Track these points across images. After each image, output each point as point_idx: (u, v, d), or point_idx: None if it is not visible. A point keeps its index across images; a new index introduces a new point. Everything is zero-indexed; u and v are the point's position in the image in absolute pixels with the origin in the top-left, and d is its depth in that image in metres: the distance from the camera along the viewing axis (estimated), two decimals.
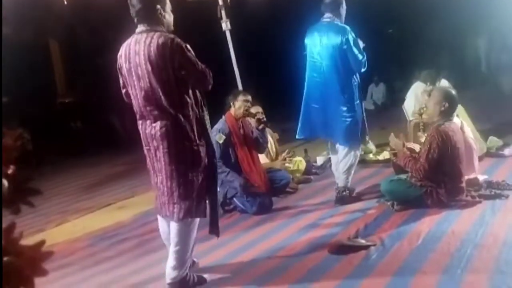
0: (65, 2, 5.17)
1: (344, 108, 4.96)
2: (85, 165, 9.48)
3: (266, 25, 11.46)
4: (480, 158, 5.60)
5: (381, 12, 12.10)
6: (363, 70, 4.98)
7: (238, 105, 5.40)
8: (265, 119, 5.70)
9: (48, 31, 12.28)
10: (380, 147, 7.09)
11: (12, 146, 0.82)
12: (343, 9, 5.03)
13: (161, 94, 3.25)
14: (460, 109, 5.63)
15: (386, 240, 3.92)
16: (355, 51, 4.86)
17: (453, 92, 4.85)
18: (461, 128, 5.03)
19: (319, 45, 4.98)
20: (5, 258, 0.82)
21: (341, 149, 5.14)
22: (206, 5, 6.21)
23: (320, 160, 6.88)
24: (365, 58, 4.92)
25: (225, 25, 6.76)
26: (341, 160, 5.13)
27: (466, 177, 4.75)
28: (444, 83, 6.81)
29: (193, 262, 3.76)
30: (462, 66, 12.34)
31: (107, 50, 12.64)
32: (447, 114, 4.66)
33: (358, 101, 5.05)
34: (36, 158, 8.73)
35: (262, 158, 5.91)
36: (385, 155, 6.73)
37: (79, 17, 10.23)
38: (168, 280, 3.45)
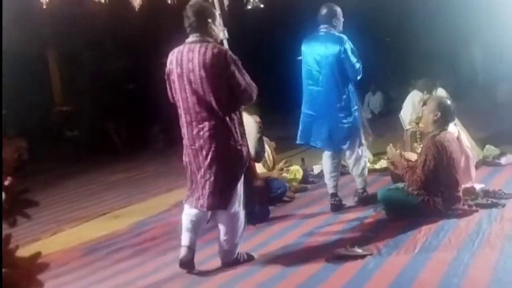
0: (44, 6, 5.13)
1: (342, 115, 5.04)
2: (81, 174, 9.46)
3: (263, 35, 11.52)
4: (477, 167, 5.60)
5: (378, 21, 12.15)
6: (358, 77, 5.08)
7: None
8: (261, 127, 5.69)
9: (46, 41, 12.31)
10: (377, 155, 7.08)
11: (11, 158, 0.82)
12: (339, 20, 5.10)
13: (212, 98, 3.62)
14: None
15: (383, 249, 3.92)
16: (353, 59, 4.96)
17: (447, 101, 4.87)
18: (458, 137, 5.04)
19: (317, 54, 5.04)
20: (2, 270, 0.81)
21: (348, 156, 5.23)
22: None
23: (317, 169, 6.86)
24: (361, 66, 5.02)
25: (223, 34, 6.77)
26: (352, 166, 5.24)
27: (463, 186, 4.75)
28: (441, 91, 6.82)
29: (252, 256, 4.04)
30: (459, 75, 12.39)
31: (105, 59, 12.73)
32: (441, 123, 4.68)
33: (356, 107, 5.15)
34: (34, 166, 8.74)
35: (259, 167, 5.89)
36: (382, 163, 6.72)
37: (77, 28, 10.26)
38: (221, 262, 3.91)
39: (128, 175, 8.72)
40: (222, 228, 3.83)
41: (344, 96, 5.03)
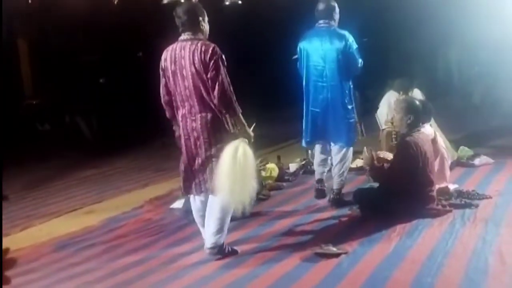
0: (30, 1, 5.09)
1: (347, 110, 5.13)
2: (51, 168, 9.31)
3: (242, 31, 11.49)
4: (451, 168, 5.69)
5: (356, 21, 12.22)
6: (357, 74, 5.21)
7: None
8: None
9: (16, 30, 12.09)
10: (355, 155, 7.14)
11: None
12: (337, 15, 5.18)
13: (203, 91, 3.85)
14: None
15: (358, 248, 3.96)
16: (357, 55, 5.07)
17: (414, 103, 4.94)
18: (434, 138, 5.12)
19: (321, 49, 5.08)
20: None
21: (336, 152, 5.24)
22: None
23: (292, 167, 6.90)
24: (361, 61, 5.12)
25: None
26: (336, 163, 5.23)
27: (437, 186, 4.83)
28: (416, 92, 6.90)
29: (236, 251, 4.14)
30: (435, 77, 12.53)
31: (77, 52, 12.51)
32: (414, 125, 4.75)
33: (354, 104, 5.24)
34: (3, 160, 8.58)
35: None
36: (358, 163, 6.77)
37: (49, 17, 10.10)
38: (208, 245, 4.01)
39: (100, 171, 8.61)
40: (213, 214, 3.95)
41: (347, 92, 5.13)
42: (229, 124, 3.96)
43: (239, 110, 3.95)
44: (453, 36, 12.19)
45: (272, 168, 6.49)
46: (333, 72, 5.06)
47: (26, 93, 13.00)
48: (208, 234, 4.01)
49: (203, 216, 4.10)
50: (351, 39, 5.05)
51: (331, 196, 5.27)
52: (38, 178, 8.64)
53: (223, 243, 4.02)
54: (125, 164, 8.85)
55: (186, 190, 4.15)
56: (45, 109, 12.31)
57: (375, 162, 4.86)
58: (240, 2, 6.30)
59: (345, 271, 3.58)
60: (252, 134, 4.10)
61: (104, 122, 11.68)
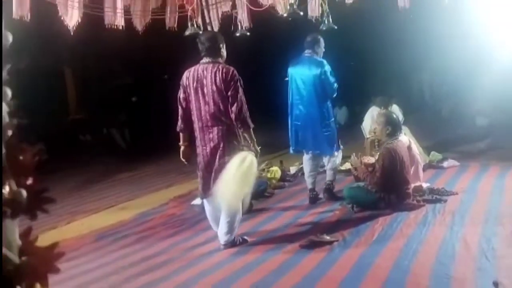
0: (71, 33, 5.14)
1: (323, 125, 5.12)
2: (91, 172, 9.35)
3: (249, 56, 11.55)
4: (424, 169, 5.69)
5: (345, 48, 12.27)
6: (335, 95, 5.21)
7: None
8: None
9: (63, 60, 12.19)
10: (343, 159, 7.13)
11: (31, 162, 0.83)
12: (320, 47, 5.21)
13: (221, 107, 3.82)
14: (406, 129, 5.77)
15: (347, 237, 3.97)
16: (331, 80, 5.07)
17: (392, 116, 4.98)
18: (409, 145, 5.13)
19: (302, 74, 5.12)
20: (23, 258, 0.83)
21: (328, 157, 5.27)
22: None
23: (292, 170, 6.92)
24: (337, 84, 5.13)
25: None
26: (328, 163, 5.29)
27: (412, 185, 4.83)
28: (395, 107, 6.91)
29: (246, 240, 4.12)
30: (410, 95, 12.52)
31: (112, 76, 12.60)
32: (392, 134, 4.78)
33: (332, 119, 5.24)
34: (53, 165, 8.63)
35: None
36: (347, 166, 6.77)
37: (90, 47, 10.18)
38: (222, 242, 3.98)
39: (132, 174, 8.64)
40: (224, 213, 3.92)
41: (324, 110, 5.12)
42: (241, 137, 3.90)
43: (251, 125, 3.91)
44: (425, 61, 12.25)
45: (276, 170, 6.50)
46: (311, 93, 5.10)
47: (71, 110, 13.10)
48: (221, 234, 3.99)
49: (214, 219, 4.11)
50: (326, 67, 5.07)
51: (324, 187, 5.31)
52: (80, 180, 8.69)
53: (234, 238, 4.01)
54: (152, 168, 8.88)
55: (205, 194, 4.05)
56: (86, 123, 12.39)
57: (361, 164, 4.89)
58: (248, 34, 6.32)
59: (337, 256, 3.59)
60: (258, 150, 4.01)
61: (135, 133, 11.75)
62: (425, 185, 5.17)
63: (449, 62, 10.25)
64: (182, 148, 4.13)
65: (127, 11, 5.72)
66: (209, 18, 6.39)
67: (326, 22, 5.58)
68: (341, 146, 5.42)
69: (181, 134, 4.13)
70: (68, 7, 4.95)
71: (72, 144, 11.22)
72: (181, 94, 4.01)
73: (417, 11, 6.40)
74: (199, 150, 3.99)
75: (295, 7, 5.19)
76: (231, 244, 3.98)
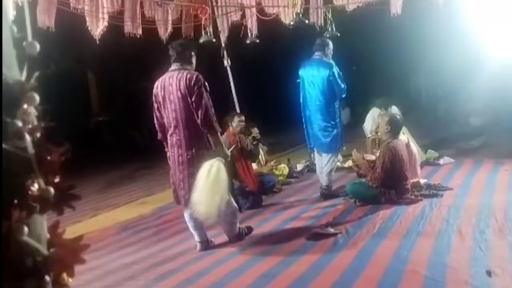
0: (97, 42, 5.20)
1: (329, 125, 5.06)
2: (113, 170, 9.42)
3: (259, 62, 11.56)
4: (421, 166, 5.66)
5: (348, 54, 12.26)
6: (343, 95, 5.13)
7: (235, 124, 5.43)
8: (259, 137, 5.77)
9: (86, 65, 12.29)
10: (346, 157, 7.12)
11: (58, 162, 0.84)
12: (329, 49, 5.12)
13: (187, 114, 3.53)
14: (405, 129, 5.73)
15: (350, 229, 3.95)
16: (339, 81, 4.99)
17: (395, 117, 4.94)
18: (408, 143, 5.10)
19: (312, 76, 5.06)
20: (51, 250, 0.83)
21: (325, 156, 5.19)
22: (212, 46, 6.27)
23: (299, 167, 6.91)
24: (345, 86, 5.05)
25: (227, 62, 6.81)
26: (324, 165, 5.18)
27: (410, 181, 4.80)
28: (394, 109, 6.88)
29: (210, 241, 3.91)
30: (408, 96, 12.47)
31: (132, 81, 12.68)
32: (392, 134, 4.74)
33: (338, 119, 5.15)
34: (78, 163, 8.70)
35: (254, 166, 5.92)
36: (350, 163, 6.76)
37: (111, 54, 10.24)
38: (228, 236, 3.90)
39: (151, 171, 8.67)
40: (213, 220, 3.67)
41: (331, 110, 5.06)
42: (210, 142, 3.60)
43: (218, 129, 3.64)
44: (422, 65, 12.20)
45: (283, 167, 6.49)
46: (319, 94, 5.04)
47: (94, 112, 13.20)
48: (224, 230, 3.94)
49: (193, 226, 3.80)
50: (334, 68, 4.97)
51: (320, 192, 5.21)
52: (102, 178, 8.75)
53: (238, 230, 3.93)
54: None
55: (176, 201, 3.80)
56: (109, 124, 12.48)
57: (364, 160, 4.87)
58: (258, 41, 6.32)
59: (341, 247, 3.58)
60: (228, 154, 3.72)
61: (153, 134, 11.81)
62: (422, 181, 5.14)
63: (444, 65, 10.19)
64: (168, 154, 3.80)
65: (151, 21, 5.78)
66: (222, 26, 6.41)
67: (329, 29, 5.56)
68: (343, 148, 5.36)
69: (164, 143, 3.81)
70: (95, 18, 5.00)
71: (95, 145, 11.29)
72: (154, 104, 3.72)
73: (413, 18, 6.38)
74: (169, 155, 3.72)
75: (300, 16, 5.18)
76: (237, 237, 3.91)
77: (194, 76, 3.52)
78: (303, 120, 5.28)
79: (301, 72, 5.18)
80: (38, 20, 4.66)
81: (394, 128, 4.77)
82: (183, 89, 3.49)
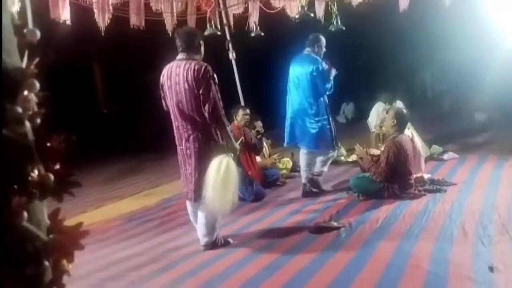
0: (103, 34, 5.20)
1: (312, 121, 4.94)
2: (118, 162, 9.46)
3: (264, 55, 11.52)
4: (425, 161, 5.62)
5: (353, 48, 12.20)
6: (328, 93, 4.94)
7: (240, 118, 5.43)
8: (263, 131, 5.77)
9: (91, 56, 12.28)
10: (350, 151, 7.10)
11: (57, 148, 0.84)
12: (320, 46, 5.00)
13: (194, 106, 3.38)
14: (409, 124, 5.68)
15: (353, 223, 3.94)
16: (322, 78, 4.83)
17: (401, 111, 4.90)
18: (412, 138, 5.07)
19: (297, 71, 4.99)
20: (50, 236, 0.84)
21: (318, 155, 5.09)
22: (217, 39, 6.26)
23: None
24: (331, 84, 4.88)
25: (232, 55, 6.80)
26: (318, 157, 5.10)
27: (414, 176, 4.78)
28: (399, 103, 6.84)
29: (229, 242, 3.75)
30: (413, 91, 12.43)
31: (138, 73, 12.67)
32: (398, 128, 4.71)
33: (325, 116, 4.95)
34: (83, 155, 8.74)
35: (258, 159, 5.92)
36: (353, 157, 6.74)
37: (117, 46, 10.23)
38: (202, 243, 3.64)
39: (156, 163, 8.71)
40: (202, 214, 3.59)
41: (314, 106, 4.91)
42: (218, 136, 3.48)
43: (227, 123, 3.53)
44: (427, 60, 12.13)
45: (287, 161, 6.49)
46: (303, 90, 4.95)
47: (100, 104, 13.22)
48: (200, 235, 3.66)
49: (193, 219, 3.76)
50: (319, 65, 4.84)
51: (309, 176, 5.06)
52: (108, 168, 8.79)
53: (215, 239, 3.65)
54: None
55: (187, 197, 3.65)
56: (113, 115, 12.49)
57: (367, 155, 4.85)
58: (262, 34, 6.30)
59: (343, 241, 3.57)
60: (238, 147, 3.61)
61: (159, 126, 11.80)
62: (426, 176, 5.11)
63: (449, 60, 10.13)
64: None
65: (157, 14, 5.77)
66: (227, 19, 6.39)
67: (335, 23, 5.52)
68: (338, 146, 5.26)
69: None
70: (101, 10, 5.00)
71: (101, 136, 11.31)
72: (161, 93, 3.62)
73: (419, 12, 6.32)
74: (178, 150, 3.59)
75: (305, 9, 5.14)
76: (211, 245, 3.63)
77: (203, 68, 3.36)
78: (286, 114, 5.18)
79: (291, 65, 5.10)
80: (52, 13, 4.66)
81: (400, 122, 4.73)
82: (190, 81, 3.34)
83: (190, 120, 3.43)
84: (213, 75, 3.39)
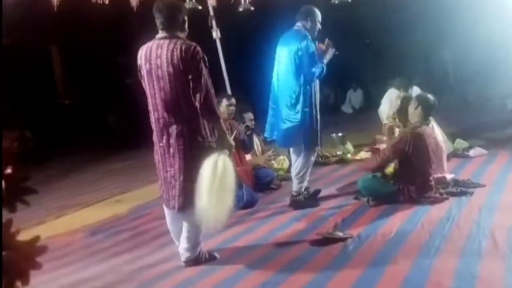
0: (55, 9, 5.14)
1: (290, 112, 4.72)
2: (82, 162, 9.41)
3: (253, 34, 11.49)
4: (448, 159, 5.65)
5: (360, 23, 12.20)
6: (316, 79, 4.67)
7: (222, 109, 5.36)
8: (253, 125, 5.74)
9: (49, 37, 12.18)
10: (358, 147, 7.12)
11: (10, 148, 0.82)
12: (313, 21, 4.77)
13: (179, 94, 3.30)
14: None
15: (362, 233, 3.94)
16: (309, 60, 4.59)
17: (425, 95, 4.92)
18: (432, 131, 5.09)
19: (281, 49, 4.82)
20: (2, 253, 0.82)
21: (292, 154, 5.02)
22: (198, 15, 6.23)
23: None
24: (321, 68, 4.62)
25: (216, 33, 6.77)
26: (293, 164, 5.00)
27: (435, 176, 4.80)
28: (416, 90, 6.87)
29: (214, 256, 3.72)
30: (433, 76, 12.46)
31: (105, 56, 12.59)
32: (424, 115, 4.73)
33: (307, 109, 4.68)
34: (40, 154, 8.70)
35: (247, 156, 5.91)
36: (363, 155, 6.77)
37: (78, 23, 10.16)
38: (182, 259, 3.58)
39: (127, 164, 8.69)
40: (185, 226, 3.53)
41: (295, 95, 4.67)
42: (207, 131, 3.40)
43: (220, 115, 3.48)
44: (450, 38, 12.13)
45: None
46: (284, 73, 4.74)
47: (59, 94, 13.15)
48: (181, 248, 3.61)
49: (173, 230, 3.70)
50: (306, 42, 4.57)
51: (290, 199, 4.93)
52: (70, 170, 8.73)
53: (198, 253, 3.60)
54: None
55: (165, 203, 3.58)
56: (76, 108, 12.43)
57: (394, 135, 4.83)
58: (252, 8, 6.29)
59: (351, 254, 3.58)
60: (233, 143, 3.58)
61: (131, 119, 11.76)
62: (449, 176, 5.13)
63: (476, 38, 10.13)
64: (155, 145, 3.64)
65: None
66: None
67: None
68: (318, 148, 5.12)
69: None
70: None
71: (61, 132, 11.25)
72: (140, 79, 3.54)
73: None
74: (156, 147, 3.50)
75: None
76: (193, 261, 3.58)
77: (192, 48, 3.27)
78: (270, 100, 5.00)
79: (277, 46, 4.90)
80: None
81: (425, 108, 4.73)
82: (176, 63, 3.24)
83: (174, 111, 3.33)
84: (203, 56, 3.33)
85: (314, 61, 4.61)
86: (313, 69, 4.60)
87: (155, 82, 3.36)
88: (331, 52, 4.79)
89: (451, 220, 4.04)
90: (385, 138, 4.99)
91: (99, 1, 5.46)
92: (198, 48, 3.31)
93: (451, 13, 10.59)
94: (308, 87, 4.68)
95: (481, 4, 8.75)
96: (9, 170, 0.83)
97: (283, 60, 4.78)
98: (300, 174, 4.88)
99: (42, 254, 0.89)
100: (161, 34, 3.41)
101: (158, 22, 3.41)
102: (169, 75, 3.29)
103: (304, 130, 4.72)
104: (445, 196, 4.67)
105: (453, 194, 4.71)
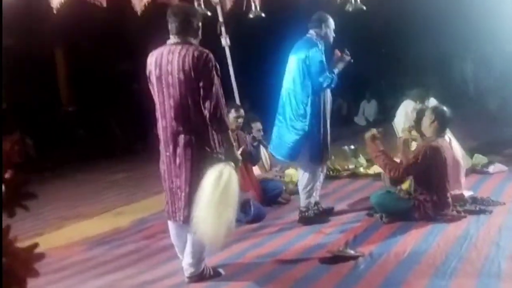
0: (55, 12, 5.20)
1: (297, 123, 4.70)
2: (84, 172, 9.46)
3: (264, 42, 11.54)
4: (466, 175, 5.60)
5: (375, 32, 12.22)
6: (324, 89, 4.66)
7: (230, 120, 5.33)
8: (261, 135, 5.72)
9: (53, 41, 12.31)
10: (371, 161, 7.07)
11: (10, 151, 0.82)
12: (328, 27, 4.77)
13: (190, 102, 3.32)
14: None
15: (374, 251, 3.91)
16: (316, 68, 4.58)
17: (441, 108, 4.89)
18: (450, 144, 5.06)
19: (291, 57, 4.82)
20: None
21: (299, 167, 5.01)
22: (207, 21, 6.26)
23: None
24: (330, 78, 4.59)
25: (225, 41, 6.80)
26: (299, 178, 4.98)
27: (452, 193, 4.76)
28: (433, 101, 6.83)
29: (219, 273, 3.71)
30: (450, 87, 12.42)
31: (109, 61, 12.68)
32: (440, 128, 4.70)
33: (314, 120, 4.69)
34: (40, 164, 8.75)
35: (256, 169, 5.90)
36: (375, 169, 6.73)
37: (84, 29, 10.26)
38: (186, 275, 3.57)
39: (129, 175, 8.72)
40: (190, 240, 3.49)
41: (302, 105, 4.66)
42: (215, 142, 3.42)
43: (229, 125, 3.51)
44: (467, 49, 12.11)
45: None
46: (292, 82, 4.73)
47: (64, 101, 13.25)
48: (185, 264, 3.59)
49: (178, 244, 3.67)
50: (315, 50, 4.58)
51: (299, 216, 4.90)
52: (71, 180, 8.77)
53: (202, 269, 3.59)
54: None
55: (169, 215, 3.58)
56: (81, 115, 12.51)
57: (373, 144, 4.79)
58: (263, 15, 6.32)
59: (362, 273, 3.55)
60: (240, 158, 3.58)
61: (136, 127, 11.81)
62: (467, 193, 5.09)
63: (497, 48, 10.09)
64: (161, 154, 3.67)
65: None
66: None
67: (353, 1, 5.51)
68: (326, 164, 5.14)
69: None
70: None
71: (63, 140, 11.32)
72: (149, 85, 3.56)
73: None
74: (162, 157, 3.52)
75: None
76: (197, 277, 3.57)
77: (205, 55, 3.29)
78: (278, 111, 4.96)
79: (290, 55, 4.88)
80: None
81: (441, 120, 4.70)
82: (188, 70, 3.27)
83: (183, 119, 3.35)
84: (216, 65, 3.35)
85: (322, 70, 4.59)
86: (320, 79, 4.58)
87: (164, 89, 3.38)
88: (343, 62, 4.79)
89: (468, 239, 4.00)
90: (399, 154, 4.94)
91: (102, 6, 5.51)
92: (211, 55, 3.34)
93: (474, 23, 10.56)
94: (316, 97, 4.67)
95: (506, 15, 8.73)
96: (8, 174, 0.83)
97: (292, 69, 4.78)
98: (307, 189, 4.86)
99: (40, 260, 0.89)
100: (173, 39, 3.43)
101: (171, 26, 3.43)
102: (180, 82, 3.31)
103: (311, 143, 4.72)
104: (462, 214, 4.62)
105: (471, 212, 4.66)
